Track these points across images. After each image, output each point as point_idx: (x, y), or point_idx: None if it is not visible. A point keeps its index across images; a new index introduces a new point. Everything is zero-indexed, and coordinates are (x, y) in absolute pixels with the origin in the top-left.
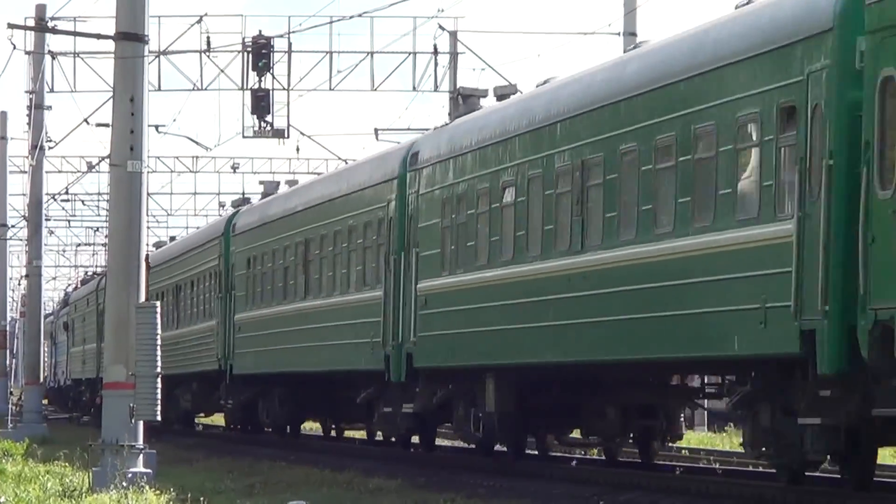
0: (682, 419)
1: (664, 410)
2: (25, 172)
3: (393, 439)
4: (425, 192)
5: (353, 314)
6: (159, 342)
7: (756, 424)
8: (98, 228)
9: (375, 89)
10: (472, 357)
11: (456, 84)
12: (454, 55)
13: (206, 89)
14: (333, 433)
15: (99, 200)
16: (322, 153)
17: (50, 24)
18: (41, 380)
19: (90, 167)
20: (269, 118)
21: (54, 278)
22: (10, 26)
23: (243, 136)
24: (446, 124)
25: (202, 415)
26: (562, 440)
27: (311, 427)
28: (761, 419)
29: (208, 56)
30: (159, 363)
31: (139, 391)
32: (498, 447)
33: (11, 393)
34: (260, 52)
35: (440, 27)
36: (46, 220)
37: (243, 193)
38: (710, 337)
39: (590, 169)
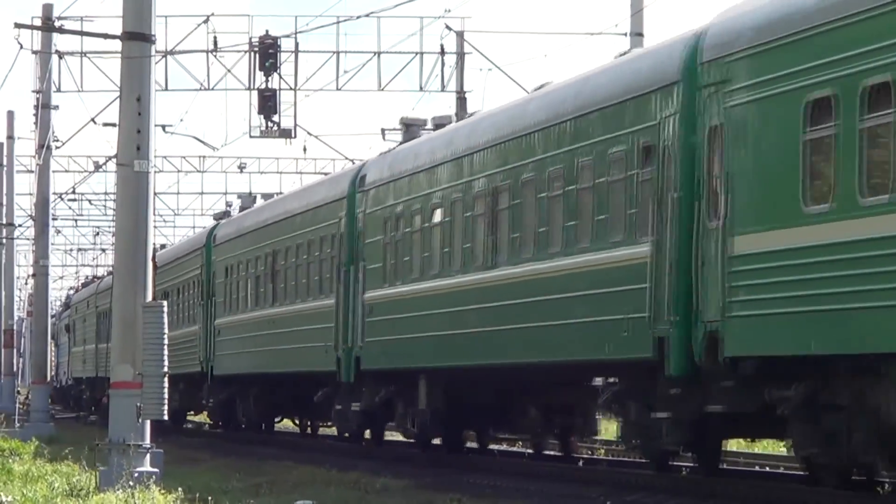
0: (597, 417)
1: (580, 409)
2: (32, 172)
3: (346, 434)
4: (371, 212)
5: (311, 320)
6: (166, 341)
7: (627, 420)
8: (98, 233)
9: (382, 89)
10: (408, 360)
11: (463, 84)
12: (461, 55)
13: (212, 89)
14: (309, 430)
15: (106, 200)
16: (329, 153)
17: (57, 24)
18: (48, 379)
19: (97, 167)
20: (275, 118)
21: (61, 277)
22: (17, 26)
23: (250, 136)
24: (391, 150)
25: (192, 413)
26: (489, 436)
27: (287, 424)
28: (631, 415)
29: (215, 56)
30: (166, 362)
31: (146, 390)
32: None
33: (18, 392)
34: (267, 52)
35: (447, 27)
36: (53, 219)
37: (250, 193)
38: (590, 343)
39: (499, 195)
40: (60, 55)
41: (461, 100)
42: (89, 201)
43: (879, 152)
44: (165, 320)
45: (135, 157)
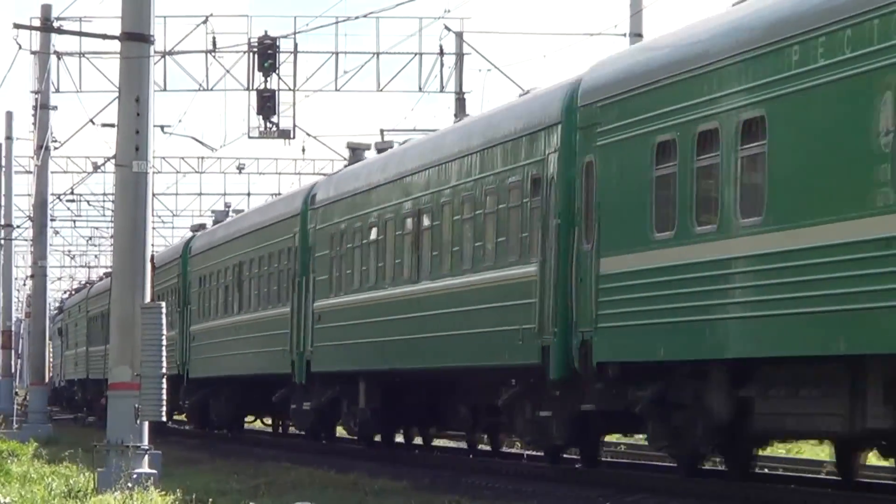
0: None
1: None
2: (31, 173)
3: (302, 432)
4: (320, 228)
5: (271, 327)
6: (164, 342)
7: (522, 419)
8: (91, 238)
9: (381, 90)
10: (350, 363)
11: (462, 85)
12: (460, 56)
13: (211, 90)
14: (280, 429)
15: (104, 201)
16: (328, 154)
17: (55, 25)
18: (46, 380)
19: (95, 167)
20: (274, 119)
21: (59, 279)
22: (16, 26)
23: (249, 137)
24: (338, 171)
25: (176, 413)
26: (426, 433)
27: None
28: (526, 413)
29: (214, 56)
30: (164, 363)
31: (144, 392)
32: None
33: (17, 393)
34: (266, 53)
35: (446, 28)
36: (51, 220)
37: (248, 194)
38: (494, 350)
39: (423, 216)
40: (59, 56)
41: (460, 100)
42: (88, 202)
43: (709, 188)
44: (164, 321)
45: (133, 157)
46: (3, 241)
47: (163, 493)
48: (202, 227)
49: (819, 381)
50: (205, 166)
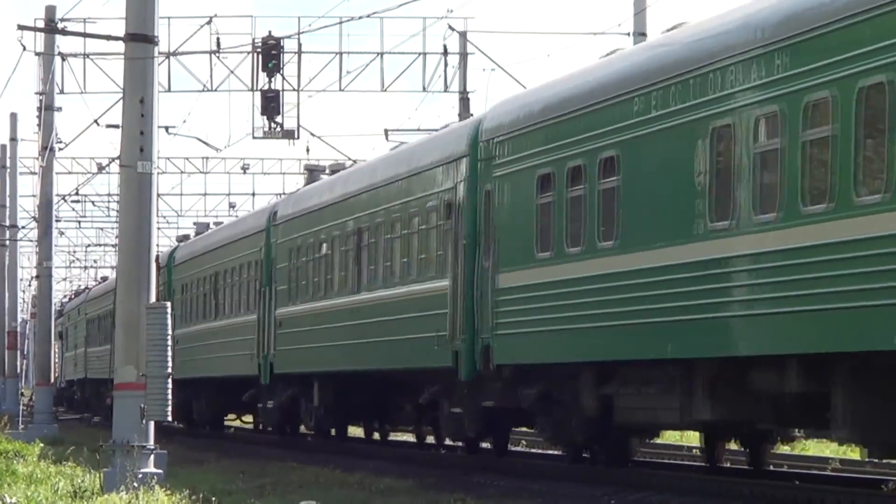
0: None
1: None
2: (35, 174)
3: (270, 428)
4: (280, 242)
5: (241, 332)
6: (170, 342)
7: (443, 415)
8: (89, 246)
9: (385, 90)
10: (305, 365)
11: (466, 85)
12: (464, 55)
13: (216, 90)
14: (261, 427)
15: (109, 202)
16: (332, 154)
17: (60, 26)
18: (52, 381)
19: (100, 168)
20: (279, 119)
21: (65, 279)
22: (21, 28)
23: (253, 137)
24: (297, 190)
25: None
26: (377, 429)
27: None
28: (444, 410)
29: (218, 57)
30: (170, 363)
31: (150, 392)
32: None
33: (22, 394)
34: (270, 53)
35: (450, 27)
36: (57, 221)
37: (253, 194)
38: (418, 354)
39: (362, 234)
40: (63, 57)
41: (464, 100)
42: (93, 203)
43: (578, 215)
44: (169, 321)
45: (138, 158)
46: (8, 242)
47: (168, 492)
48: (186, 237)
49: (659, 380)
50: (209, 167)
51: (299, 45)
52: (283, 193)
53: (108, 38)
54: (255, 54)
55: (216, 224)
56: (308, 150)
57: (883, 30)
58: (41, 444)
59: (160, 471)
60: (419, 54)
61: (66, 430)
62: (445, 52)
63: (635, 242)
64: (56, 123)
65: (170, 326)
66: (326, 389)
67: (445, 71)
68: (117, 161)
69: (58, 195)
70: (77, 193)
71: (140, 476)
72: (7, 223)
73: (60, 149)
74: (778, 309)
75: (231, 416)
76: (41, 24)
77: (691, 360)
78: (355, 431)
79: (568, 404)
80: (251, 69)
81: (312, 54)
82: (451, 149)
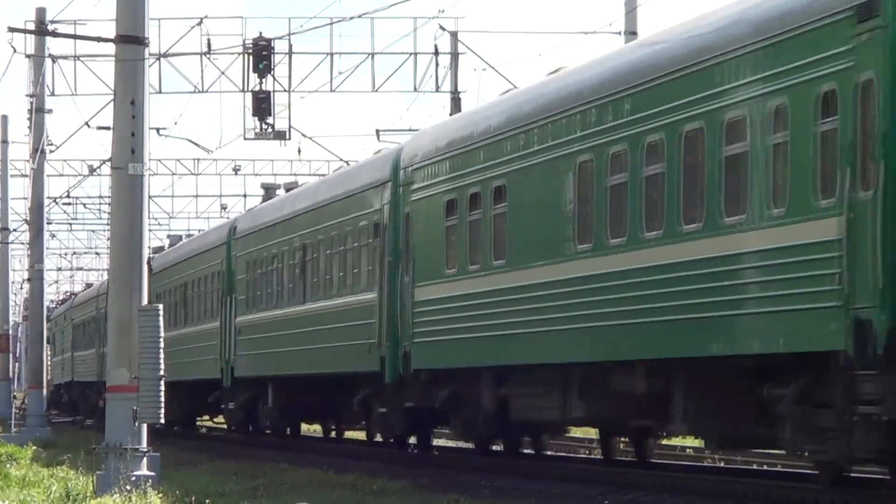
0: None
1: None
2: (27, 176)
3: (233, 427)
4: (240, 255)
5: (206, 338)
6: (162, 344)
7: (377, 413)
8: (74, 253)
9: (376, 90)
10: (261, 370)
11: (457, 85)
12: (455, 55)
13: (206, 91)
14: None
15: (101, 204)
16: (324, 155)
17: (50, 28)
18: (44, 383)
19: (91, 170)
20: (270, 120)
21: (56, 282)
22: (11, 30)
23: (245, 139)
24: (255, 207)
25: None
26: (339, 428)
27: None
28: (374, 410)
29: (209, 58)
30: (162, 366)
31: (142, 394)
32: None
33: (15, 397)
34: (260, 54)
35: (441, 28)
36: (48, 223)
37: (245, 195)
38: (353, 359)
39: (307, 250)
40: (54, 59)
41: (455, 100)
42: (84, 205)
43: (476, 237)
44: (161, 323)
45: (129, 160)
46: None
47: (162, 495)
48: (161, 249)
49: (543, 382)
50: (201, 168)
51: (290, 45)
52: (295, 185)
53: (99, 39)
54: (246, 55)
55: (188, 236)
56: (300, 151)
57: (698, 84)
58: (34, 448)
59: (153, 473)
60: (410, 54)
61: (59, 432)
62: (436, 53)
63: (521, 261)
64: (47, 126)
65: (162, 329)
66: (280, 391)
67: (437, 71)
68: (108, 163)
69: (49, 197)
70: (68, 196)
71: (133, 478)
72: None
73: (51, 151)
74: (628, 320)
75: (205, 416)
76: (31, 27)
77: (567, 365)
78: (316, 429)
79: (473, 404)
80: (242, 70)
81: (303, 55)
82: (378, 174)
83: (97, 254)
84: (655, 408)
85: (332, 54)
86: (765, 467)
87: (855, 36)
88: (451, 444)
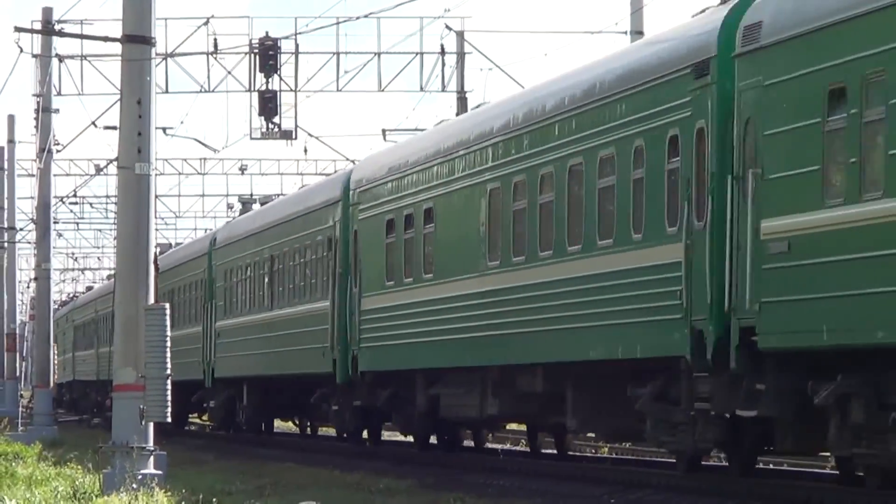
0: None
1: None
2: (33, 175)
3: (215, 424)
4: (218, 264)
5: (189, 341)
6: (169, 344)
7: (332, 411)
8: (76, 258)
9: (383, 90)
10: (236, 370)
11: (463, 84)
12: (461, 55)
13: (213, 91)
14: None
15: (107, 203)
16: (330, 154)
17: (57, 28)
18: (51, 383)
19: (98, 170)
20: (276, 119)
21: (63, 281)
22: (17, 30)
23: (251, 138)
24: (233, 219)
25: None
26: (313, 425)
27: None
28: (329, 408)
29: (215, 58)
30: (169, 365)
31: (149, 393)
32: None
33: (21, 396)
34: (267, 54)
35: (447, 27)
36: (55, 222)
37: (251, 195)
38: (310, 361)
39: (274, 260)
40: (60, 59)
41: (462, 100)
42: (91, 204)
43: (410, 253)
44: (168, 322)
45: (136, 159)
46: (6, 244)
47: (168, 493)
48: (168, 247)
49: (465, 383)
50: (207, 168)
51: (296, 45)
52: (282, 194)
53: (106, 39)
54: (253, 55)
55: (177, 244)
56: (306, 151)
57: (581, 125)
58: (41, 446)
59: (160, 472)
60: (416, 54)
61: (65, 431)
62: (443, 52)
63: (445, 275)
64: (53, 125)
65: (168, 328)
66: (253, 391)
67: (443, 71)
68: (115, 163)
69: (56, 197)
70: (75, 195)
71: (140, 477)
72: (5, 225)
73: (58, 150)
74: (528, 329)
75: (194, 414)
76: (38, 26)
77: (484, 367)
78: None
79: (410, 402)
80: (248, 70)
81: (310, 55)
82: (331, 194)
83: (98, 258)
84: (553, 406)
85: (338, 54)
86: (770, 466)
87: (691, 91)
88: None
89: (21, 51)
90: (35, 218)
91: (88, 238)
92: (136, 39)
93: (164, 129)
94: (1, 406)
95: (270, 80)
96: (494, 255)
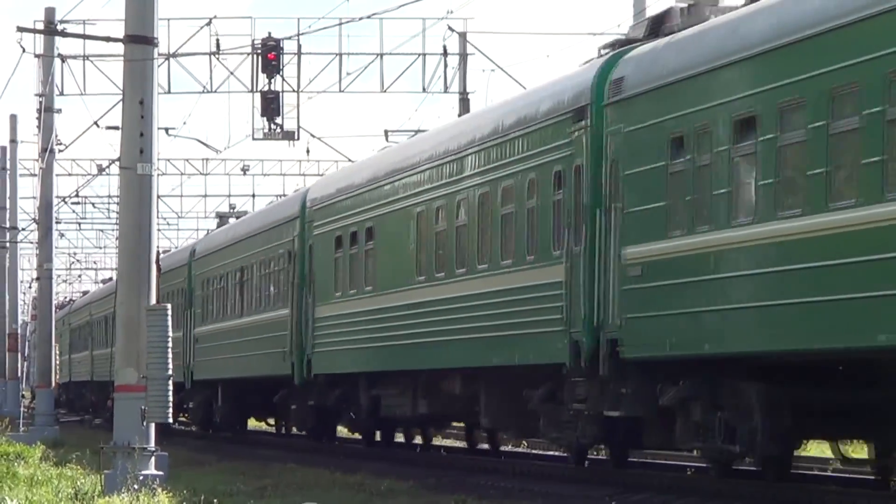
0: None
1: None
2: (35, 175)
3: (196, 424)
4: (197, 274)
5: (173, 346)
6: (170, 344)
7: (291, 410)
8: (73, 263)
9: (385, 91)
10: (212, 373)
11: (466, 86)
12: (464, 56)
13: (215, 91)
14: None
15: (109, 203)
16: (332, 155)
17: (59, 28)
18: (53, 383)
19: (100, 170)
20: (278, 120)
21: (65, 281)
22: (20, 30)
23: (253, 139)
24: (210, 233)
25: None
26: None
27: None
28: (289, 407)
29: (218, 58)
30: (170, 365)
31: (151, 393)
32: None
33: (23, 396)
34: (269, 54)
35: (449, 28)
36: (57, 223)
37: (253, 196)
38: (272, 365)
39: (244, 271)
40: (63, 59)
41: (464, 101)
42: (93, 204)
43: (356, 266)
44: (169, 323)
45: (138, 159)
46: (8, 244)
47: (169, 494)
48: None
49: (399, 385)
50: (209, 168)
51: (299, 46)
52: (283, 195)
53: (108, 39)
54: (255, 55)
55: (164, 252)
56: (308, 152)
57: (489, 157)
58: (42, 447)
59: (161, 472)
60: (419, 55)
61: (66, 432)
62: (445, 53)
63: (383, 288)
64: (56, 125)
65: (170, 329)
66: (227, 392)
67: (445, 72)
68: (117, 163)
69: (58, 197)
70: (77, 195)
71: (141, 478)
72: (7, 225)
73: (60, 150)
74: (447, 337)
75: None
76: (40, 26)
77: (415, 371)
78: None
79: (356, 402)
80: (251, 70)
81: (312, 55)
82: (291, 211)
83: (78, 276)
84: (470, 406)
85: (340, 55)
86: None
87: (571, 132)
88: (456, 444)
89: (24, 51)
90: (37, 218)
91: (90, 238)
92: (139, 40)
93: (166, 130)
94: (3, 406)
95: (273, 80)
96: (421, 271)
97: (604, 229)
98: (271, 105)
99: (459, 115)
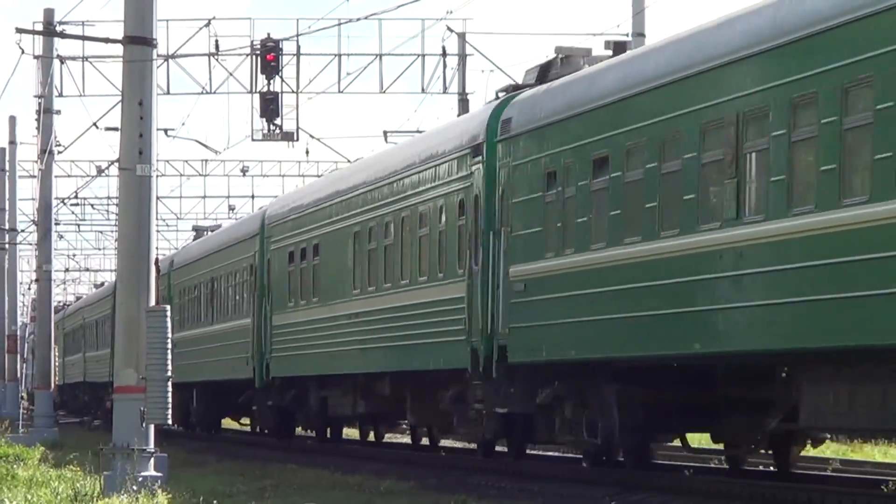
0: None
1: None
2: (35, 177)
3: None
4: (175, 283)
5: None
6: (170, 345)
7: (254, 410)
8: (67, 269)
9: (384, 91)
10: (187, 377)
11: (465, 86)
12: (463, 57)
13: (214, 92)
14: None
15: (108, 204)
16: (331, 156)
17: (58, 29)
18: (52, 384)
19: (99, 171)
20: (278, 121)
21: (64, 282)
22: (19, 31)
23: (252, 140)
24: (186, 245)
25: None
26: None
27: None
28: (253, 408)
29: (217, 59)
30: (170, 367)
31: (150, 395)
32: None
33: (22, 397)
34: (268, 55)
35: (449, 29)
36: (56, 224)
37: (252, 197)
38: (236, 369)
39: (214, 282)
40: (62, 60)
41: (463, 101)
42: (92, 206)
43: (308, 279)
44: (169, 324)
45: (137, 161)
46: (7, 246)
47: (169, 495)
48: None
49: (344, 387)
50: (208, 169)
51: (298, 46)
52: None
53: (107, 40)
54: (254, 56)
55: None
56: (307, 152)
57: (408, 186)
58: (41, 448)
59: (160, 474)
60: (418, 56)
61: (66, 433)
62: (444, 54)
63: (327, 299)
64: (55, 126)
65: (170, 330)
66: (202, 395)
67: (444, 72)
68: (116, 164)
69: (57, 198)
70: (76, 196)
71: (140, 479)
72: (6, 227)
73: (59, 152)
74: (378, 344)
75: None
76: (39, 28)
77: (354, 374)
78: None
79: (307, 403)
80: (250, 71)
81: (311, 56)
82: (253, 226)
83: (73, 280)
84: (400, 406)
85: (339, 55)
86: (771, 468)
87: (470, 165)
88: (458, 444)
89: (23, 52)
90: (36, 219)
91: (89, 240)
92: (138, 41)
93: (165, 131)
94: (2, 408)
95: (272, 81)
96: (356, 284)
97: (495, 250)
98: (270, 106)
99: (459, 116)
